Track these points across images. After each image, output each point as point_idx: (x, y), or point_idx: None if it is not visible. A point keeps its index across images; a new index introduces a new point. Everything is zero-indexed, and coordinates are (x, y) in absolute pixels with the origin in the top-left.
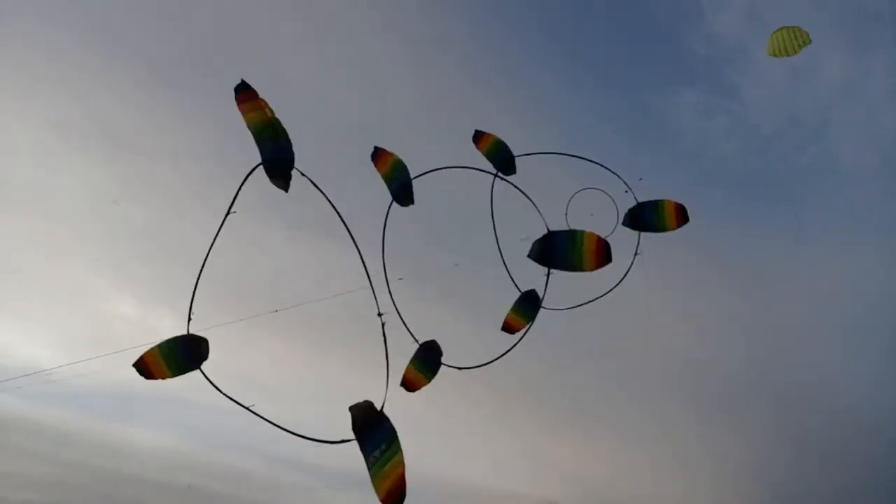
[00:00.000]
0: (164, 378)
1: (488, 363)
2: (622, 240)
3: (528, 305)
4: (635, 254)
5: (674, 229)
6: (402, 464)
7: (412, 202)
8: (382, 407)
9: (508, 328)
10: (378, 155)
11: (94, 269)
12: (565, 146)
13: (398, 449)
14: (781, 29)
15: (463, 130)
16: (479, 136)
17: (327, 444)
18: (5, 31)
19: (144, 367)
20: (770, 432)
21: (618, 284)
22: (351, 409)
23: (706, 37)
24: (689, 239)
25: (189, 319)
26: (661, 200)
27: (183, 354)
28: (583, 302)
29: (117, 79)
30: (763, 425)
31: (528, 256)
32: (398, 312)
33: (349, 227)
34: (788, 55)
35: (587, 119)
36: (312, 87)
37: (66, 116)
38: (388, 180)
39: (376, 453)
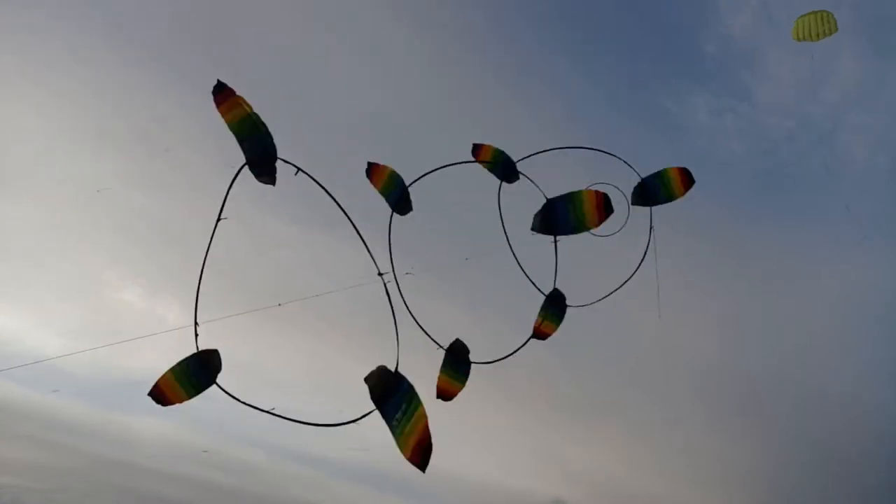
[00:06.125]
0: (181, 401)
1: (509, 355)
2: (633, 232)
3: (556, 307)
4: (650, 228)
5: (683, 195)
6: (424, 416)
7: (411, 209)
8: (397, 368)
9: (540, 335)
10: (372, 170)
11: (102, 258)
12: (575, 140)
13: (419, 403)
14: (809, 13)
15: (474, 123)
16: (477, 149)
17: (338, 427)
18: (23, 22)
19: (160, 393)
20: (783, 435)
21: (636, 270)
22: (366, 379)
23: (720, 37)
24: (702, 239)
25: (196, 334)
26: (664, 169)
27: (197, 373)
28: (602, 296)
29: (125, 71)
30: (776, 428)
31: (532, 229)
32: (412, 315)
33: (357, 218)
34: (813, 40)
35: (598, 115)
36: (322, 76)
37: (78, 108)
38: (386, 194)
39: (398, 415)
